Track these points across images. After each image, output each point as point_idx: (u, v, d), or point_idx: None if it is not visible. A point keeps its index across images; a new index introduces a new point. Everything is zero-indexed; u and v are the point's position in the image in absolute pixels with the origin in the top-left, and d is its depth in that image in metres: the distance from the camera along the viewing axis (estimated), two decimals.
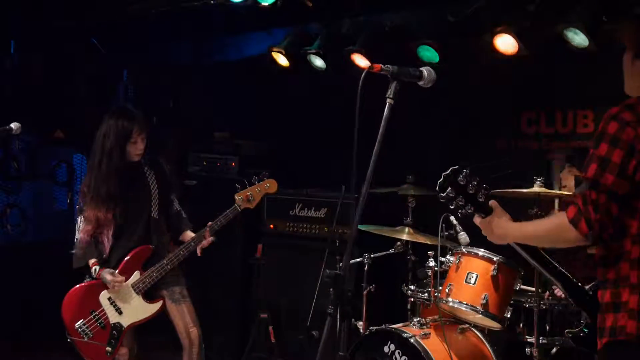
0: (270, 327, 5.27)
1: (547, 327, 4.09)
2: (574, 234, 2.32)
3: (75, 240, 4.21)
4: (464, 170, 2.62)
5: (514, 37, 4.68)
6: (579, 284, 2.99)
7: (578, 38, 4.49)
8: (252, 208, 4.41)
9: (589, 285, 2.97)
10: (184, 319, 4.25)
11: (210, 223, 4.29)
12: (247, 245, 5.69)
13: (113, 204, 4.16)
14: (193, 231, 4.40)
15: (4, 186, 6.45)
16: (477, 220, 2.63)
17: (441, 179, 2.64)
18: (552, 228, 2.43)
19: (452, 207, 2.63)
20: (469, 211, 2.60)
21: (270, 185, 4.41)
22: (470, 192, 2.60)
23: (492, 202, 2.60)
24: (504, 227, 2.57)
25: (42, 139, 6.74)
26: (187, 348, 4.27)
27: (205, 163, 6.16)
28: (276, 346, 5.29)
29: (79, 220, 4.23)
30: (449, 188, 2.62)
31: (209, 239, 4.25)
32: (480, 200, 2.59)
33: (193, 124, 6.82)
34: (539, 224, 2.62)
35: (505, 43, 4.75)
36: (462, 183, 2.61)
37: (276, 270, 5.58)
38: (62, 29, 6.24)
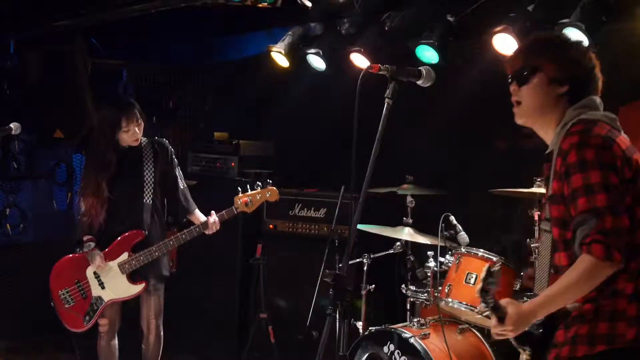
0: (270, 327, 5.27)
1: None
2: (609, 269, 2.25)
3: (76, 223, 4.45)
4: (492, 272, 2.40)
5: (514, 37, 4.68)
6: None
7: (577, 38, 4.48)
8: (249, 213, 4.47)
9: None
10: (148, 310, 4.49)
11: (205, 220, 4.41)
12: (247, 245, 5.69)
13: (107, 189, 4.29)
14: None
15: (4, 186, 6.44)
16: (497, 330, 2.40)
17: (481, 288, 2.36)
18: (583, 275, 2.28)
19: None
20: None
21: (271, 194, 4.49)
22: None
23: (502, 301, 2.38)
24: (528, 309, 2.36)
25: (42, 139, 6.73)
26: (145, 336, 4.53)
27: (205, 163, 6.16)
28: (276, 346, 5.28)
29: (80, 203, 4.39)
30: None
31: (214, 225, 4.39)
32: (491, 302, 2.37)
33: (193, 124, 6.81)
34: (564, 281, 2.35)
35: (505, 43, 4.74)
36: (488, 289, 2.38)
37: (276, 270, 5.58)
38: (62, 29, 6.23)
